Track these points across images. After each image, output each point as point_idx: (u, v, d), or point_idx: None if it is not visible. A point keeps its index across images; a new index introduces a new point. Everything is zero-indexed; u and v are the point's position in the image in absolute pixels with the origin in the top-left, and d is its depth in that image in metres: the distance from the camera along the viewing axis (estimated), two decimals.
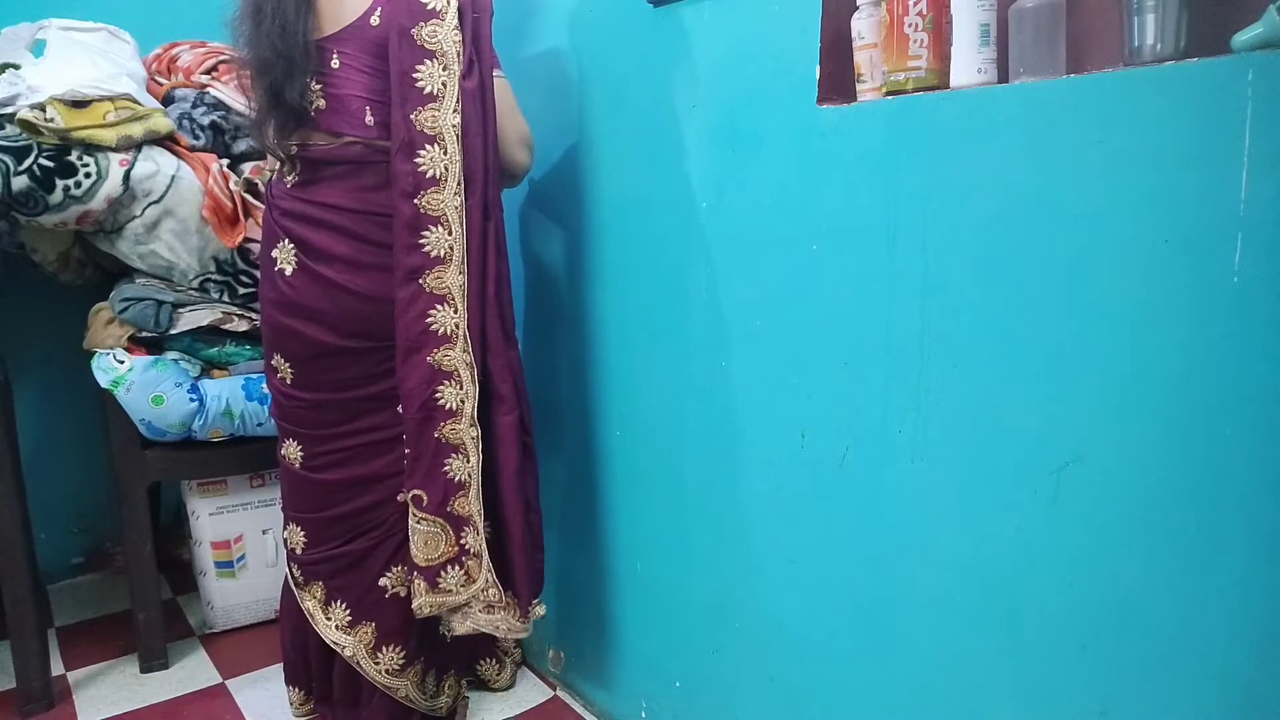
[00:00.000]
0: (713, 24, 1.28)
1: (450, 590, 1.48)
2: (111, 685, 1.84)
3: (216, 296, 1.83)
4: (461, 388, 1.44)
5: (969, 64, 0.99)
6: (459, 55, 1.36)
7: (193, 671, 1.89)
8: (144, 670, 1.87)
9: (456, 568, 1.48)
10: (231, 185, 1.77)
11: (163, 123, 1.71)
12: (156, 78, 1.91)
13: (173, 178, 1.69)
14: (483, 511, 1.49)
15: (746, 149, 1.25)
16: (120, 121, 1.66)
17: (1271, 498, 0.77)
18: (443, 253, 1.39)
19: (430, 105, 1.35)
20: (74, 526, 2.32)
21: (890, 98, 1.06)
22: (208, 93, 1.86)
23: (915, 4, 1.02)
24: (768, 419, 1.27)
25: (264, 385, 1.78)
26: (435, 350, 1.41)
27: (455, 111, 1.37)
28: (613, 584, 1.65)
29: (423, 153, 1.36)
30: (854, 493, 1.15)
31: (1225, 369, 0.79)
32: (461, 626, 1.51)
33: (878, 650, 1.15)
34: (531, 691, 1.81)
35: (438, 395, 1.43)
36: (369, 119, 1.40)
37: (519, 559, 1.54)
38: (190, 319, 1.80)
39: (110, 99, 1.67)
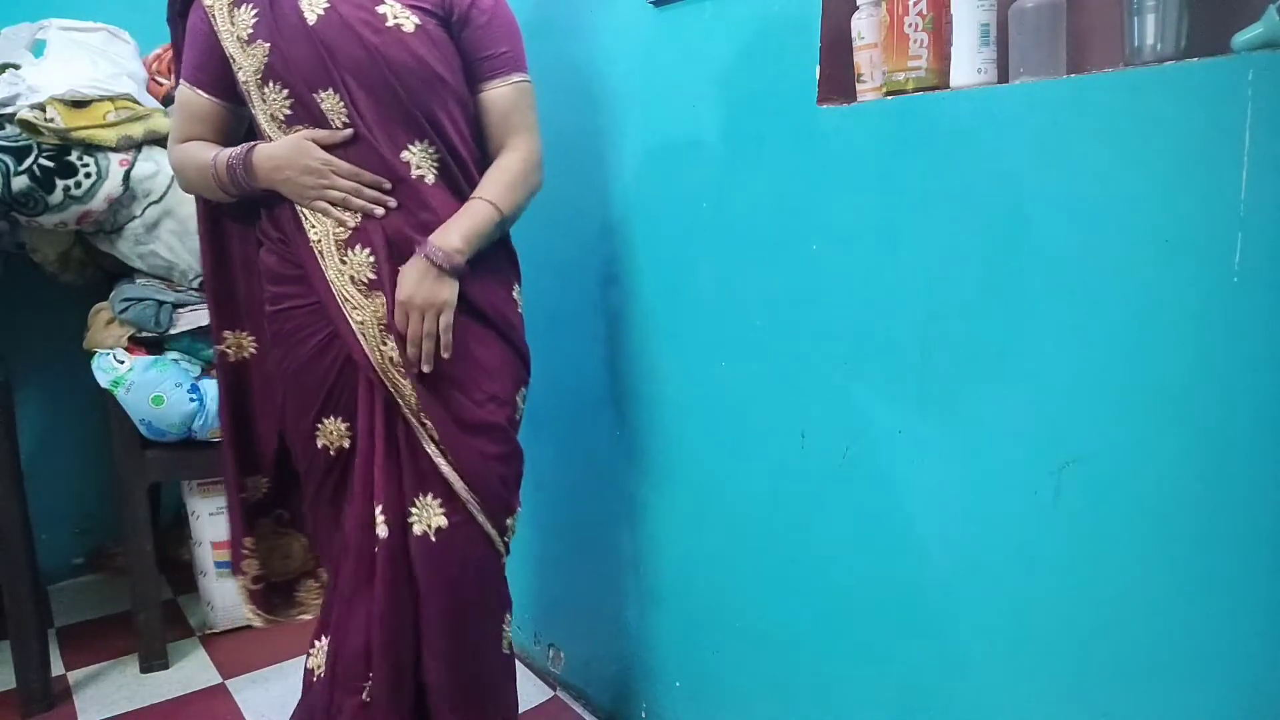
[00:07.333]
0: (713, 24, 1.28)
1: None
2: (111, 685, 1.84)
3: None
4: None
5: (969, 64, 0.99)
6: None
7: (193, 671, 1.89)
8: (144, 670, 1.87)
9: None
10: None
11: (163, 123, 1.71)
12: (156, 78, 1.91)
13: (173, 178, 1.69)
14: None
15: (747, 149, 1.25)
16: (120, 121, 1.66)
17: (1273, 497, 0.77)
18: None
19: None
20: (74, 527, 2.32)
21: (890, 98, 1.06)
22: None
23: (915, 4, 1.02)
24: (768, 419, 1.27)
25: None
26: None
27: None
28: (612, 584, 1.65)
29: None
30: (854, 493, 1.15)
31: (1226, 369, 0.79)
32: None
33: (878, 650, 1.14)
34: (531, 691, 1.80)
35: None
36: None
37: None
38: (190, 319, 1.80)
39: (110, 99, 1.67)
